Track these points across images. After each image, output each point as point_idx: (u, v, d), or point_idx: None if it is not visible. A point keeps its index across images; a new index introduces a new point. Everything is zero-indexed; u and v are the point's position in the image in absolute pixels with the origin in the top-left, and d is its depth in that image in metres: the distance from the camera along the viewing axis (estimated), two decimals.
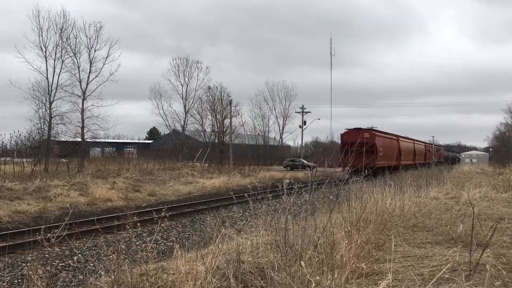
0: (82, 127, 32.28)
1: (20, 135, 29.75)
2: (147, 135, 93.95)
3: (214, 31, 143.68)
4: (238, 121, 59.86)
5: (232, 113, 52.68)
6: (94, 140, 34.62)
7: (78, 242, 11.32)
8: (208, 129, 57.05)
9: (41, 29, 30.83)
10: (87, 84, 32.51)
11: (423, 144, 60.25)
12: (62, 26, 31.39)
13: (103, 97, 32.58)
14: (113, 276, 5.06)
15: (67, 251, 10.49)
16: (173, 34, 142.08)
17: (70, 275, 8.17)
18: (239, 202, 12.23)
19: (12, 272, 9.03)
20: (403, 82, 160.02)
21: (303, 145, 74.04)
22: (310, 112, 67.36)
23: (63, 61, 31.55)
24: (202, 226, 13.83)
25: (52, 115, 31.23)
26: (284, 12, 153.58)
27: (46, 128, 31.49)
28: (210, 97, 55.42)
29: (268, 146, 72.81)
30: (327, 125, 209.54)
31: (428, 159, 54.49)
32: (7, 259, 9.95)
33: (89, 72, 32.62)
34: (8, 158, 29.75)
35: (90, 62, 32.74)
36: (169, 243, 11.00)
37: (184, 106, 53.62)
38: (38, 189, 19.85)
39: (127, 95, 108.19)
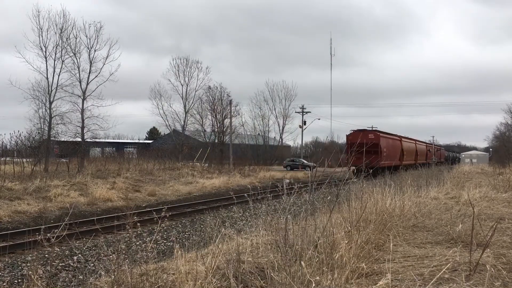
0: (82, 127, 32.30)
1: (20, 135, 29.78)
2: (147, 135, 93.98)
3: (214, 31, 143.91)
4: (238, 121, 60.01)
5: (232, 113, 52.76)
6: (94, 140, 34.65)
7: (78, 242, 11.31)
8: (208, 129, 57.17)
9: (41, 29, 30.91)
10: (87, 84, 32.58)
11: (425, 144, 60.92)
12: (62, 26, 31.47)
13: (103, 97, 32.70)
14: (113, 276, 5.06)
15: (67, 251, 10.48)
16: (173, 34, 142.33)
17: (70, 275, 8.16)
18: (239, 202, 12.23)
19: (12, 272, 9.03)
20: (403, 82, 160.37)
21: (303, 145, 74.23)
22: (310, 112, 67.65)
23: (63, 61, 31.63)
24: (202, 226, 13.83)
25: (52, 115, 31.27)
26: (284, 12, 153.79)
27: (46, 128, 31.53)
28: (210, 97, 55.56)
29: (268, 146, 72.77)
30: (327, 125, 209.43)
31: (429, 159, 55.21)
32: (7, 259, 9.95)
33: (89, 72, 32.73)
34: (8, 158, 29.74)
35: (90, 62, 32.84)
36: (169, 243, 10.99)
37: (184, 106, 53.73)
38: (38, 189, 19.85)
39: (127, 95, 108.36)
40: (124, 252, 5.47)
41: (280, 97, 75.61)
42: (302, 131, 66.77)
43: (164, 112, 53.50)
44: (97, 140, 35.43)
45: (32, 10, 56.24)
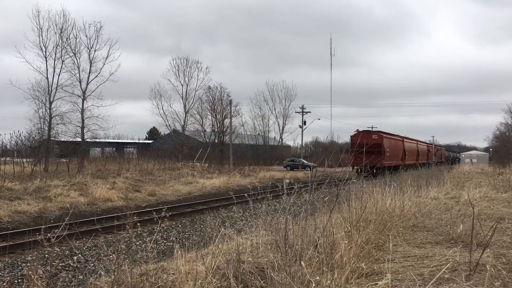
0: (82, 127, 32.30)
1: (20, 135, 29.77)
2: (147, 135, 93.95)
3: (214, 31, 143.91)
4: (238, 121, 59.98)
5: (232, 113, 52.75)
6: (94, 140, 34.65)
7: (78, 242, 11.31)
8: (208, 129, 57.16)
9: (41, 29, 30.90)
10: (87, 84, 32.57)
11: (426, 144, 61.82)
12: (62, 26, 31.47)
13: (103, 97, 32.69)
14: (113, 276, 5.06)
15: (67, 251, 10.48)
16: (173, 34, 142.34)
17: (70, 275, 8.16)
18: (239, 202, 12.23)
19: (12, 272, 9.03)
20: (403, 82, 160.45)
21: (303, 145, 74.20)
22: (310, 112, 67.65)
23: (63, 61, 31.63)
24: (202, 226, 13.83)
25: (52, 115, 31.27)
26: (284, 12, 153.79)
27: (46, 128, 31.52)
28: (210, 97, 55.55)
29: (268, 146, 72.75)
30: (327, 125, 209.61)
31: (429, 159, 56.15)
32: (7, 259, 9.95)
33: (89, 72, 32.72)
34: (8, 158, 29.74)
35: (90, 62, 32.83)
36: (169, 243, 10.99)
37: (184, 106, 53.72)
38: (38, 189, 19.85)
39: (127, 95, 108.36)
40: (124, 252, 5.47)
41: (280, 97, 75.68)
42: (302, 131, 66.84)
43: (164, 112, 53.57)
44: (97, 140, 35.43)
45: (32, 10, 56.34)
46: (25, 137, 30.30)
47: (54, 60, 31.30)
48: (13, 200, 17.49)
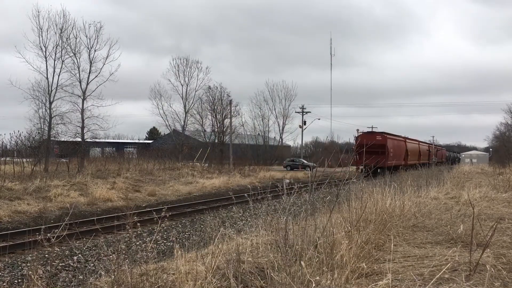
0: (82, 127, 32.30)
1: (20, 135, 29.77)
2: (147, 135, 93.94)
3: (214, 31, 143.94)
4: (238, 121, 59.95)
5: (232, 113, 52.74)
6: (94, 140, 34.64)
7: (78, 242, 11.31)
8: (208, 129, 57.15)
9: (41, 29, 30.87)
10: (87, 84, 32.56)
11: (427, 145, 62.81)
12: (62, 26, 31.44)
13: (103, 97, 32.67)
14: (113, 276, 5.06)
15: (67, 251, 10.48)
16: (173, 34, 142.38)
17: (70, 275, 8.16)
18: (239, 202, 12.24)
19: (12, 272, 9.03)
20: (403, 82, 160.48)
21: (303, 145, 74.18)
22: (310, 112, 67.61)
23: (63, 61, 31.61)
24: (202, 226, 13.83)
25: (52, 115, 31.26)
26: (284, 12, 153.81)
27: (46, 128, 31.52)
28: (210, 97, 55.55)
29: (268, 146, 72.72)
30: (327, 125, 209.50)
31: (430, 159, 57.14)
32: (7, 259, 9.95)
33: (89, 72, 32.70)
34: (8, 158, 29.74)
35: (90, 62, 32.81)
36: (169, 243, 10.99)
37: (184, 106, 53.72)
38: (38, 189, 19.85)
39: (127, 95, 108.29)
40: (124, 252, 5.47)
41: (280, 97, 75.63)
42: (302, 131, 66.81)
43: (164, 112, 53.55)
44: (97, 140, 35.43)
45: (32, 10, 56.26)
46: (25, 137, 30.35)
47: (54, 60, 31.33)
48: (13, 200, 17.49)
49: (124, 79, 63.62)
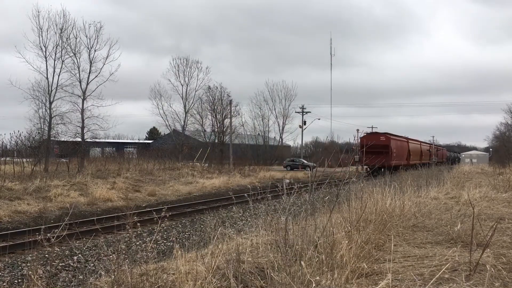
0: (82, 127, 32.30)
1: (20, 135, 29.76)
2: (147, 135, 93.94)
3: (214, 31, 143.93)
4: (238, 121, 59.96)
5: (232, 113, 52.73)
6: (94, 140, 34.65)
7: (78, 242, 11.31)
8: (208, 129, 57.16)
9: (41, 29, 30.87)
10: (87, 84, 32.56)
11: (428, 145, 63.89)
12: (62, 26, 31.45)
13: (103, 97, 32.67)
14: (113, 276, 5.06)
15: (67, 251, 10.48)
16: (173, 34, 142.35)
17: (70, 275, 8.16)
18: (239, 202, 12.22)
19: (12, 272, 9.02)
20: (403, 82, 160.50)
21: (303, 145, 74.16)
22: (310, 112, 67.61)
23: (63, 61, 31.61)
24: (202, 226, 13.83)
25: (52, 115, 31.26)
26: (284, 12, 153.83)
27: (46, 128, 31.52)
28: (210, 97, 55.57)
29: (268, 146, 72.72)
30: (327, 125, 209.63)
31: (431, 159, 58.14)
32: (7, 259, 9.95)
33: (89, 72, 32.71)
34: (8, 158, 29.74)
35: (90, 62, 32.82)
36: (169, 243, 10.99)
37: (184, 106, 53.72)
38: (38, 189, 19.85)
39: (127, 95, 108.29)
40: (124, 252, 5.47)
41: (280, 97, 75.62)
42: (302, 131, 66.80)
43: (164, 112, 53.57)
44: (97, 140, 35.43)
45: (32, 10, 56.23)
46: (25, 137, 30.34)
47: (54, 60, 31.33)
48: (13, 200, 17.49)
49: (124, 79, 63.69)
